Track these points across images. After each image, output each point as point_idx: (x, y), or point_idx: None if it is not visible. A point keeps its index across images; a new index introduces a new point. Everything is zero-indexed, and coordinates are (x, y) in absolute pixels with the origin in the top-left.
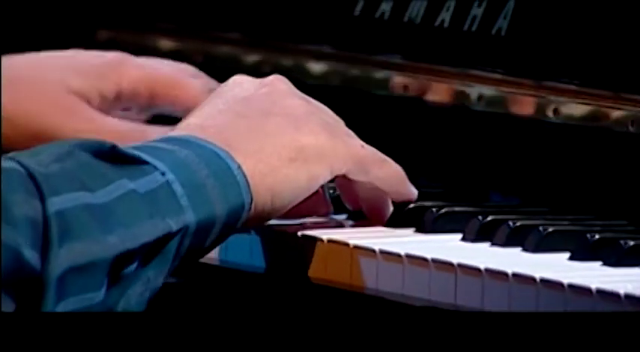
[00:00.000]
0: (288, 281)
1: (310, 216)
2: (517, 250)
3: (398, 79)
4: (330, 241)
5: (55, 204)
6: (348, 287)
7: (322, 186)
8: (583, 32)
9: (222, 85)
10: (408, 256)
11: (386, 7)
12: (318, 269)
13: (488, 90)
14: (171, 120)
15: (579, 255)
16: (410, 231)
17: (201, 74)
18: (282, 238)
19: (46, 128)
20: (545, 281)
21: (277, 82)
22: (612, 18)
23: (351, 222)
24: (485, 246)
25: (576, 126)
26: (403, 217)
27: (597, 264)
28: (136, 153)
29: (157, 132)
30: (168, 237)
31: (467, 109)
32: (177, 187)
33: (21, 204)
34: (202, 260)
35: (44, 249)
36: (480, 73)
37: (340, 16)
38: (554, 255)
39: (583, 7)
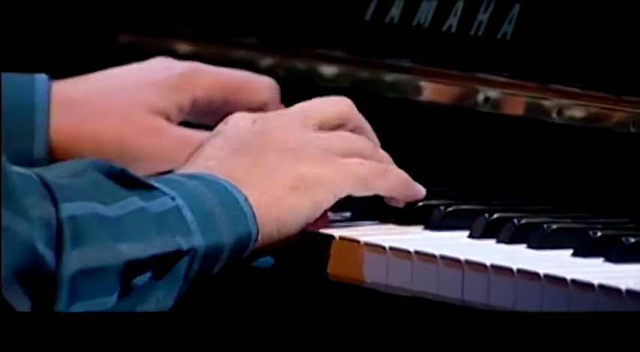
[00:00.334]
0: (300, 276)
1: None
2: (522, 247)
3: (407, 82)
4: (341, 238)
5: (67, 209)
6: (358, 283)
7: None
8: (585, 37)
9: (221, 123)
10: (417, 253)
11: (395, 13)
12: (330, 266)
13: (493, 93)
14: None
15: (582, 251)
16: (418, 228)
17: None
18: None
19: (135, 151)
20: (548, 277)
21: (270, 117)
22: (613, 23)
23: (359, 221)
24: (491, 242)
25: (579, 127)
26: (412, 215)
27: (599, 261)
28: (146, 180)
29: None
30: (177, 254)
31: (473, 111)
32: (187, 212)
33: (35, 207)
34: None
35: (57, 249)
36: (485, 76)
37: (351, 21)
38: (557, 251)
39: (585, 13)
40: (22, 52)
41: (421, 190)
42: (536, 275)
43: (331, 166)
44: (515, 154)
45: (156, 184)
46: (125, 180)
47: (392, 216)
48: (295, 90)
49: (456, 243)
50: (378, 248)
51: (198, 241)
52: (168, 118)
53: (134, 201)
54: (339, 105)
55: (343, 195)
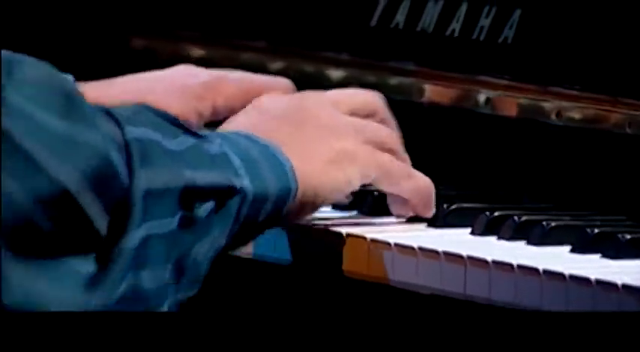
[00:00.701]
0: (313, 273)
1: None
2: (522, 243)
3: (411, 84)
4: (349, 235)
5: (132, 132)
6: (365, 278)
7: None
8: (583, 41)
9: (256, 99)
10: (421, 249)
11: (400, 18)
12: (339, 262)
13: (495, 95)
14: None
15: (580, 248)
16: (423, 225)
17: None
18: (306, 233)
19: None
20: (548, 273)
21: (304, 95)
22: (611, 28)
23: (366, 218)
24: (492, 239)
25: (577, 129)
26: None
27: (597, 257)
28: (193, 128)
29: None
30: (231, 191)
31: (475, 112)
32: (235, 158)
33: (104, 125)
34: (234, 253)
35: (129, 167)
36: (487, 78)
37: (358, 26)
38: (556, 248)
39: (584, 18)
40: (37, 55)
41: (433, 210)
42: (535, 270)
43: (364, 149)
44: (516, 154)
45: (201, 132)
46: (177, 124)
47: (355, 206)
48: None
49: (458, 240)
50: (384, 244)
51: (247, 184)
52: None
53: (189, 140)
54: (370, 96)
55: (367, 180)
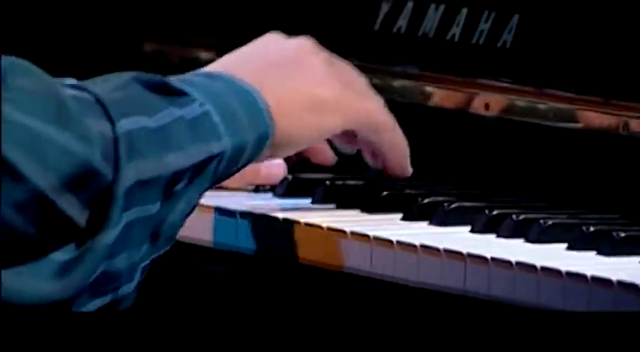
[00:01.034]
0: (274, 261)
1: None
2: (520, 241)
3: (413, 87)
4: (353, 233)
5: (123, 126)
6: (366, 274)
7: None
8: (579, 45)
9: (256, 39)
10: (423, 246)
11: (402, 23)
12: (337, 259)
13: (494, 98)
14: None
15: (576, 245)
16: (424, 223)
17: None
18: (274, 224)
19: None
20: (545, 269)
21: (306, 40)
22: (605, 33)
23: (363, 215)
24: (491, 237)
25: (573, 130)
26: (417, 211)
27: (592, 254)
28: (179, 84)
29: None
30: (209, 159)
31: (475, 114)
32: (215, 116)
33: (94, 125)
34: (196, 242)
35: (116, 163)
36: (486, 81)
37: (361, 31)
38: (553, 245)
39: (579, 23)
40: (51, 58)
41: (410, 170)
42: (533, 267)
43: (349, 98)
44: (515, 155)
45: (187, 89)
46: (162, 89)
47: (357, 204)
48: None
49: (458, 238)
50: (386, 242)
51: (226, 143)
52: None
53: (172, 112)
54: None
55: (351, 128)
